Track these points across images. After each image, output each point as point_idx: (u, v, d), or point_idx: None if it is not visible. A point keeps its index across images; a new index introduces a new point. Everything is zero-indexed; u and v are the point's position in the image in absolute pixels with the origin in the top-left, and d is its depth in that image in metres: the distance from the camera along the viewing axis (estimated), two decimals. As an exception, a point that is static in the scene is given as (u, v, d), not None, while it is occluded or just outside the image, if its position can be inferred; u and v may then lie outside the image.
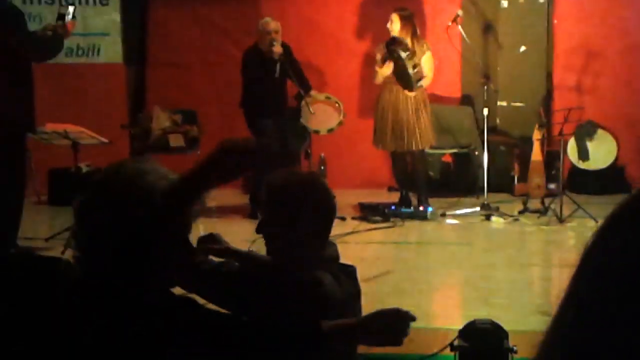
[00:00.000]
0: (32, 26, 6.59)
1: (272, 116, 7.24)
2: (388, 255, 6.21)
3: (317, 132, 7.44)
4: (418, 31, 7.42)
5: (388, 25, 7.30)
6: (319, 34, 8.92)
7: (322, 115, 7.37)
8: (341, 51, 8.93)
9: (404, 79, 7.05)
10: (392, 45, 7.03)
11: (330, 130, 7.41)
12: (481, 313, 4.34)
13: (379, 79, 7.28)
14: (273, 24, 7.22)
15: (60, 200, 7.40)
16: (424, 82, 7.20)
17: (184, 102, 8.81)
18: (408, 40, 7.21)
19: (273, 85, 7.23)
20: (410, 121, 7.18)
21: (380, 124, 7.36)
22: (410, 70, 6.95)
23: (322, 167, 8.83)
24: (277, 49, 7.05)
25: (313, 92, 7.43)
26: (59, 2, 8.01)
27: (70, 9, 5.87)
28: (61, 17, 5.88)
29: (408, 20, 7.29)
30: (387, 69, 7.13)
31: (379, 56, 7.31)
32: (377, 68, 7.29)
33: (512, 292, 5.07)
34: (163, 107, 8.42)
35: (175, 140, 8.07)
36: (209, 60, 9.10)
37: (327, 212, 2.39)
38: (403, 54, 6.93)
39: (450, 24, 7.55)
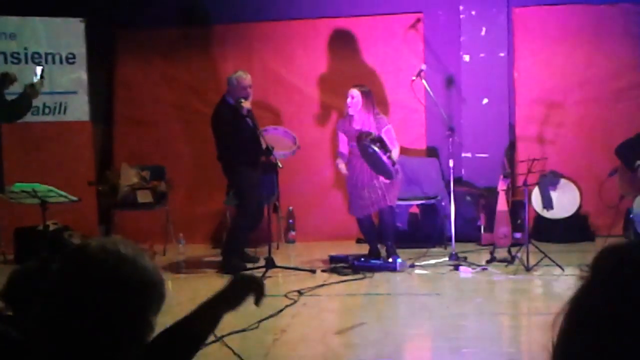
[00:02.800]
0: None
1: (251, 168, 7.29)
2: (359, 307, 6.23)
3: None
4: (375, 106, 7.47)
5: (348, 100, 7.31)
6: (286, 89, 9.04)
7: (277, 144, 7.39)
8: (309, 105, 9.04)
9: (380, 168, 7.10)
10: (363, 141, 7.06)
11: (282, 156, 7.38)
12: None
13: (343, 169, 7.36)
14: (247, 79, 7.29)
15: (28, 259, 7.31)
16: (394, 155, 7.17)
17: (151, 158, 8.84)
18: (370, 118, 7.27)
19: (248, 137, 7.25)
20: (378, 183, 7.24)
21: (353, 192, 7.40)
22: (385, 160, 7.01)
23: (291, 221, 8.88)
24: (246, 104, 7.15)
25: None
26: (25, 62, 8.08)
27: (38, 69, 5.93)
28: (33, 77, 5.94)
29: (368, 96, 7.35)
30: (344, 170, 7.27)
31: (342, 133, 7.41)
32: (338, 162, 7.40)
33: (482, 342, 5.10)
34: (131, 164, 8.44)
35: (144, 197, 8.07)
36: (175, 117, 9.16)
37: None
38: (375, 147, 6.98)
39: (414, 78, 7.69)
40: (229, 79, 7.39)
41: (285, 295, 6.23)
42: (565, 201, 8.38)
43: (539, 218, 8.39)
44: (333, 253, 7.74)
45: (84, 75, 8.66)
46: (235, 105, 7.21)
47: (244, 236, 7.46)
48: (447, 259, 7.40)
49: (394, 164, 7.09)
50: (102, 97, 9.12)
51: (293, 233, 8.91)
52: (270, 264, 7.07)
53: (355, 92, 7.31)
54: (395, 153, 7.14)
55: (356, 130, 7.23)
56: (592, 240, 8.34)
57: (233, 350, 4.74)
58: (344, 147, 7.41)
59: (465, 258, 7.42)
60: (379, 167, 7.10)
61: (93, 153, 8.79)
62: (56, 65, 8.53)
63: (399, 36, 9.02)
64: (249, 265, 7.29)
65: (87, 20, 8.62)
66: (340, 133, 7.48)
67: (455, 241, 7.49)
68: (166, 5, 9.09)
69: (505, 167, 8.06)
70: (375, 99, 7.53)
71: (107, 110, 9.29)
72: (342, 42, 9.08)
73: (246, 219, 7.35)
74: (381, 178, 7.20)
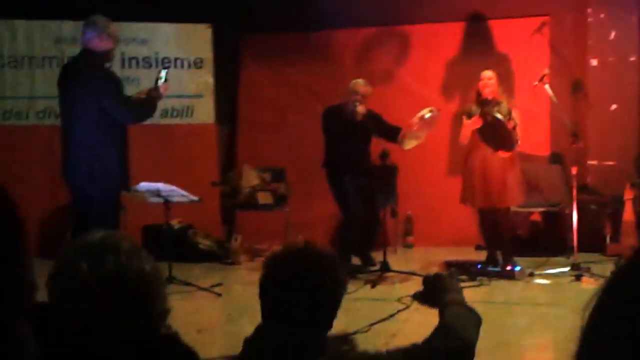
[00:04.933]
0: (130, 89, 6.91)
1: (355, 176, 7.26)
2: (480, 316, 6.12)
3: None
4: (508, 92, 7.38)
5: (481, 83, 7.22)
6: (405, 94, 9.01)
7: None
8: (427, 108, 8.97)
9: (501, 139, 6.96)
10: (487, 107, 6.97)
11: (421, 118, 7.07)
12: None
13: (464, 139, 7.24)
14: (363, 88, 7.26)
15: (153, 255, 7.59)
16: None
17: (272, 160, 9.01)
18: (504, 99, 7.18)
19: (355, 145, 7.27)
20: (498, 179, 7.12)
21: (469, 181, 7.31)
22: (509, 127, 6.87)
23: (409, 225, 8.84)
24: (361, 109, 7.09)
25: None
26: (155, 66, 8.41)
27: (163, 72, 6.15)
28: (156, 81, 6.18)
29: (501, 80, 7.27)
30: (475, 124, 7.06)
31: (466, 117, 7.26)
32: (464, 127, 7.24)
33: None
34: (252, 166, 8.63)
35: (264, 198, 8.24)
36: (296, 120, 9.30)
37: None
38: (499, 115, 6.87)
39: (536, 83, 7.51)
40: (348, 85, 7.38)
41: (398, 300, 6.20)
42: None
43: (669, 229, 8.01)
44: (450, 258, 7.66)
45: (210, 79, 8.93)
46: (348, 111, 7.16)
47: (350, 242, 7.38)
48: (568, 269, 7.18)
49: (516, 139, 6.89)
50: (227, 101, 9.38)
51: (411, 237, 8.87)
52: (384, 267, 7.07)
53: (491, 73, 7.20)
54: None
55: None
56: None
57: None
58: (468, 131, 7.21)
59: (589, 269, 7.17)
60: (499, 137, 6.91)
61: (217, 154, 9.05)
62: (184, 69, 8.83)
63: (525, 40, 8.83)
64: (365, 269, 7.30)
65: (214, 26, 8.88)
66: (464, 117, 7.27)
67: (579, 251, 7.25)
68: (289, 11, 9.24)
69: (634, 175, 7.75)
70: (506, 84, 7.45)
71: (232, 113, 9.54)
72: (465, 46, 8.97)
73: (348, 225, 7.36)
74: (504, 176, 7.04)
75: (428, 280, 2.46)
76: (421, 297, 2.44)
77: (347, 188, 7.22)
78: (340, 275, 2.18)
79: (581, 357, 0.81)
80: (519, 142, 7.00)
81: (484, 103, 7.07)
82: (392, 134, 7.16)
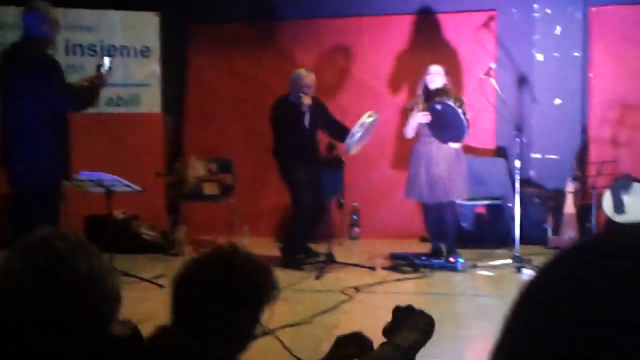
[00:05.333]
0: (74, 77, 6.80)
1: (305, 166, 7.29)
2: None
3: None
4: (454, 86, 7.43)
5: (428, 77, 7.27)
6: (354, 85, 9.04)
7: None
8: (377, 102, 9.02)
9: (451, 129, 7.00)
10: (436, 96, 7.02)
11: (361, 125, 7.15)
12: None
13: (410, 133, 7.28)
14: (307, 78, 7.28)
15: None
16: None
17: (219, 151, 8.96)
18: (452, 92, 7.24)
19: (304, 135, 7.30)
20: (444, 173, 7.18)
21: (414, 175, 7.36)
22: (459, 114, 6.94)
23: (355, 217, 8.87)
24: (306, 100, 7.12)
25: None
26: (101, 54, 8.29)
27: (107, 60, 6.07)
28: (98, 68, 6.08)
29: (447, 75, 7.32)
30: (422, 118, 7.11)
31: (413, 108, 7.30)
32: (410, 119, 7.28)
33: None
34: (199, 156, 8.57)
35: (210, 189, 8.19)
36: (244, 110, 9.26)
37: None
38: (450, 102, 6.94)
39: (483, 76, 7.59)
40: (291, 75, 7.41)
41: (342, 292, 6.23)
42: (637, 205, 8.14)
43: (609, 222, 8.16)
44: (396, 250, 7.71)
45: (157, 68, 8.83)
46: (294, 102, 7.20)
47: (300, 232, 7.44)
48: (510, 260, 7.28)
49: (466, 127, 6.95)
50: (174, 90, 9.29)
51: (357, 229, 8.90)
52: (329, 259, 7.09)
53: (438, 68, 7.24)
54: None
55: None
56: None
57: (283, 344, 4.76)
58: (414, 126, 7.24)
59: (530, 260, 7.28)
60: (449, 126, 6.95)
61: (163, 144, 8.96)
62: (131, 58, 8.72)
63: (471, 34, 8.91)
64: (309, 260, 7.31)
65: (162, 14, 8.79)
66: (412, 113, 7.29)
67: (522, 243, 7.35)
68: (239, 0, 9.19)
69: (575, 169, 7.87)
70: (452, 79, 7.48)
71: (179, 103, 9.46)
72: (414, 39, 9.02)
73: (299, 216, 7.38)
74: (449, 170, 7.10)
75: (397, 311, 2.25)
76: (388, 330, 2.18)
77: (299, 178, 7.23)
78: (264, 292, 1.99)
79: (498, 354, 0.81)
80: (469, 129, 7.07)
81: (432, 93, 7.11)
82: (338, 132, 7.22)
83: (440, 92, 7.11)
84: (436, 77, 7.23)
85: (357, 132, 6.98)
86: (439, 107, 6.97)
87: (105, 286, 1.77)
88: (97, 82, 5.98)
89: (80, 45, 8.55)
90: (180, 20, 9.24)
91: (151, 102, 8.84)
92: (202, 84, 9.40)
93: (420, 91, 7.35)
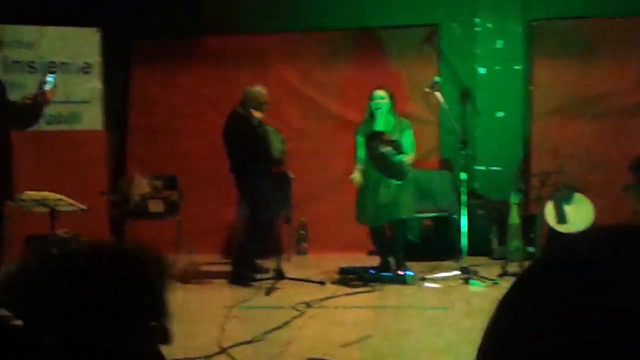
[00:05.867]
0: (14, 95, 6.64)
1: (264, 179, 7.26)
2: (367, 319, 6.19)
3: None
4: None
5: (376, 101, 7.26)
6: (300, 101, 9.04)
7: None
8: (322, 115, 9.04)
9: (389, 170, 7.06)
10: (373, 140, 7.05)
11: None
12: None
13: (357, 178, 7.30)
14: (266, 95, 7.30)
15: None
16: (408, 160, 7.18)
17: (164, 168, 8.86)
18: (392, 120, 7.24)
19: (259, 148, 7.25)
20: (391, 195, 7.20)
21: (362, 201, 7.37)
22: (396, 163, 6.99)
23: (302, 232, 8.85)
24: (257, 114, 7.14)
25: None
26: (41, 71, 8.13)
27: (51, 77, 5.94)
28: (41, 85, 5.95)
29: (392, 98, 7.32)
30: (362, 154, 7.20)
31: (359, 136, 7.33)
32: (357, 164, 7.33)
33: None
34: (143, 173, 8.46)
35: (155, 206, 8.08)
36: (189, 127, 9.19)
37: None
38: (385, 149, 6.97)
39: (428, 90, 7.66)
40: (246, 92, 7.35)
41: (293, 307, 6.20)
42: (579, 216, 8.29)
43: (552, 232, 8.30)
44: (343, 265, 7.71)
45: (99, 85, 8.69)
46: (245, 116, 7.19)
47: (255, 247, 7.43)
48: (458, 272, 7.34)
49: (405, 168, 7.03)
50: (116, 107, 9.16)
51: (305, 244, 8.88)
52: (279, 275, 7.05)
53: (382, 93, 7.26)
54: (409, 158, 7.13)
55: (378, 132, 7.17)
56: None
57: (237, 362, 4.71)
58: (362, 151, 7.31)
59: (477, 272, 7.35)
60: (387, 168, 7.03)
61: (106, 162, 8.81)
62: (72, 74, 8.57)
63: (414, 48, 9.00)
64: (259, 276, 7.26)
65: (103, 31, 8.66)
66: (359, 137, 7.34)
67: (468, 255, 7.43)
68: (182, 16, 9.12)
69: (519, 180, 7.99)
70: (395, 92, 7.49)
71: (122, 120, 9.33)
72: (358, 53, 9.08)
73: (258, 231, 7.33)
74: (395, 190, 7.15)
75: None
76: None
77: (261, 189, 7.17)
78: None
79: None
80: (410, 172, 7.10)
81: (371, 137, 7.11)
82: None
83: (378, 136, 7.07)
84: (381, 102, 7.24)
85: None
86: (377, 151, 6.99)
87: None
88: (41, 99, 5.85)
89: (19, 62, 8.37)
90: (122, 36, 9.12)
91: (93, 119, 8.69)
92: (145, 100, 9.30)
93: (367, 115, 7.36)
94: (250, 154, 7.22)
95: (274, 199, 7.38)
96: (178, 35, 9.17)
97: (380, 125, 7.23)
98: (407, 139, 7.24)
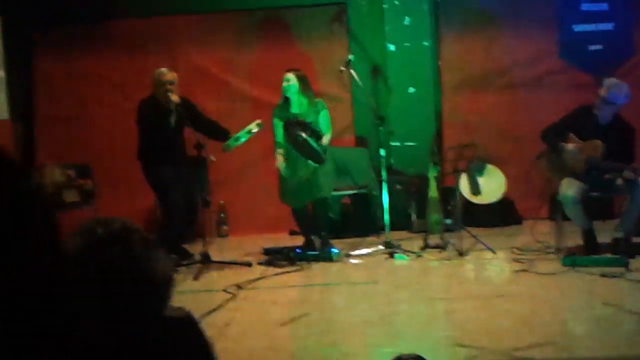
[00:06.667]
0: None
1: (171, 166, 7.16)
2: (299, 298, 6.21)
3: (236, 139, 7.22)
4: (311, 89, 7.48)
5: (284, 84, 7.33)
6: (208, 83, 8.95)
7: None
8: (234, 97, 8.98)
9: (308, 154, 7.10)
10: (292, 127, 7.07)
11: (248, 132, 7.19)
12: (399, 348, 4.41)
13: (282, 163, 7.33)
14: (169, 75, 7.16)
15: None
16: (325, 140, 7.23)
17: (75, 156, 8.63)
18: (305, 102, 7.28)
19: (169, 135, 7.16)
20: (311, 173, 7.25)
21: (283, 182, 7.40)
22: (316, 146, 7.03)
23: (222, 214, 8.80)
24: (174, 97, 7.01)
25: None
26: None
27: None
28: None
29: (304, 80, 7.36)
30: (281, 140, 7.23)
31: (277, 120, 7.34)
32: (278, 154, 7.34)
33: (421, 326, 5.16)
34: (55, 163, 8.21)
35: (70, 196, 7.87)
36: (99, 113, 8.97)
37: None
38: (304, 134, 6.99)
39: (342, 69, 7.71)
40: (153, 75, 7.26)
41: (224, 290, 6.17)
42: (492, 187, 8.53)
43: (467, 204, 8.52)
44: (267, 245, 7.71)
45: (2, 74, 8.38)
46: (160, 101, 7.06)
47: (172, 233, 7.30)
48: (381, 247, 7.45)
49: (324, 150, 7.10)
50: (21, 96, 8.85)
51: (225, 227, 8.83)
52: (205, 259, 6.99)
53: (290, 76, 7.32)
54: (326, 138, 7.19)
55: (293, 114, 7.22)
56: (519, 224, 8.54)
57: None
58: (280, 135, 7.32)
59: (399, 245, 7.48)
60: (307, 153, 7.09)
61: (13, 153, 8.49)
62: (-28, 63, 8.23)
63: (323, 27, 9.03)
64: (185, 262, 7.18)
65: (4, 19, 8.34)
66: (276, 120, 7.40)
67: (389, 230, 7.55)
68: (86, 1, 8.86)
69: (435, 154, 8.16)
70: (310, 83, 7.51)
71: (28, 108, 9.01)
72: (270, 34, 9.05)
73: (168, 217, 7.26)
74: (317, 170, 7.21)
75: None
76: None
77: (165, 179, 7.09)
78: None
79: None
80: (325, 154, 7.15)
81: (290, 124, 7.13)
82: (214, 132, 7.20)
83: (295, 123, 7.10)
84: (288, 85, 7.28)
85: (242, 137, 7.09)
86: (297, 138, 7.02)
87: (151, 271, 1.74)
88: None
89: None
90: (25, 24, 8.80)
91: (-3, 109, 8.37)
92: (52, 89, 9.01)
93: (282, 98, 7.38)
94: (155, 141, 7.10)
95: (187, 184, 7.27)
96: (83, 20, 8.90)
97: (294, 107, 7.27)
98: (324, 119, 7.30)
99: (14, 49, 8.49)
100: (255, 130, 7.11)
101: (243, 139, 7.10)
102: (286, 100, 7.35)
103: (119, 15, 8.98)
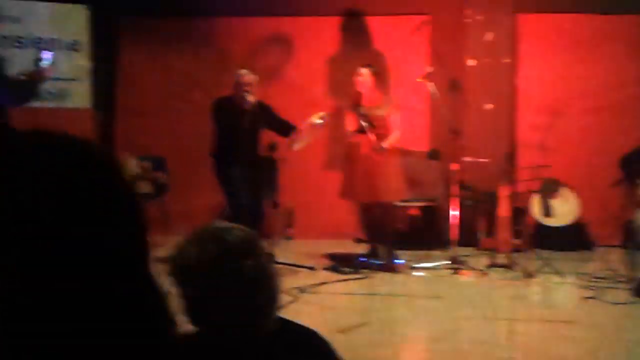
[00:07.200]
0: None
1: (240, 166, 7.20)
2: (359, 306, 6.21)
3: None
4: (385, 86, 7.53)
5: (359, 79, 7.37)
6: (286, 87, 9.01)
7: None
8: (308, 104, 9.01)
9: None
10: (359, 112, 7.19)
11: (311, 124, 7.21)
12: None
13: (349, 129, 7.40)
14: (247, 77, 7.21)
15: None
16: (394, 137, 7.26)
17: (152, 149, 8.79)
18: (380, 96, 7.32)
19: (243, 135, 7.20)
20: (381, 174, 7.24)
21: (350, 176, 7.39)
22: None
23: (289, 217, 8.85)
24: (250, 98, 7.05)
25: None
26: (28, 46, 8.01)
27: (49, 54, 5.85)
28: (36, 62, 5.86)
29: (378, 75, 7.41)
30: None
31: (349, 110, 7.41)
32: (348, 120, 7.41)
33: (481, 346, 5.10)
34: (132, 154, 8.38)
35: (144, 188, 8.02)
36: (177, 108, 9.11)
37: None
38: (364, 123, 7.06)
39: (420, 80, 7.69)
40: (234, 75, 7.32)
41: (286, 292, 6.20)
42: (564, 209, 8.39)
43: (538, 225, 8.39)
44: (331, 251, 7.72)
45: (87, 63, 8.59)
46: (235, 101, 7.12)
47: None
48: (447, 262, 7.39)
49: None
50: (104, 86, 9.06)
51: (291, 229, 8.88)
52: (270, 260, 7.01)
53: (363, 71, 7.37)
54: (393, 137, 7.25)
55: (363, 109, 7.28)
56: (590, 249, 8.36)
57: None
58: (351, 125, 7.40)
59: (466, 262, 7.41)
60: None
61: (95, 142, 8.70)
62: (60, 51, 8.43)
63: (405, 37, 9.01)
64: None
65: (92, 8, 8.55)
66: (348, 113, 7.47)
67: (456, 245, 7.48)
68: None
69: (508, 173, 8.05)
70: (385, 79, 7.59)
71: (110, 98, 9.23)
72: (350, 41, 9.07)
73: (233, 217, 7.31)
74: (390, 167, 7.20)
75: None
76: None
77: (234, 179, 7.14)
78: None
79: None
80: (393, 138, 7.20)
81: (355, 108, 7.21)
82: (284, 129, 7.19)
83: (363, 109, 7.19)
84: (359, 79, 7.36)
85: (305, 130, 7.07)
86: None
87: (267, 285, 1.85)
88: (37, 76, 5.76)
89: (7, 37, 8.23)
90: (110, 14, 9.01)
91: (81, 97, 8.59)
92: (134, 80, 9.20)
93: (355, 93, 7.44)
94: (227, 140, 7.16)
95: (257, 185, 7.32)
96: (170, 14, 9.07)
97: (366, 102, 7.36)
98: (393, 119, 7.37)
99: (100, 39, 8.69)
100: (318, 122, 7.09)
101: (307, 134, 7.09)
102: (358, 94, 7.38)
103: (204, 13, 9.11)
